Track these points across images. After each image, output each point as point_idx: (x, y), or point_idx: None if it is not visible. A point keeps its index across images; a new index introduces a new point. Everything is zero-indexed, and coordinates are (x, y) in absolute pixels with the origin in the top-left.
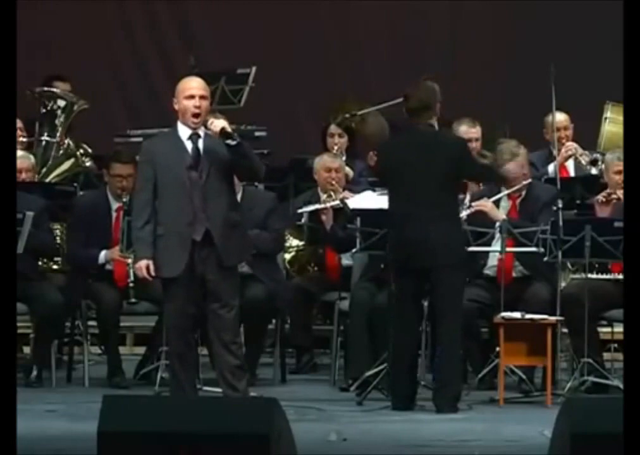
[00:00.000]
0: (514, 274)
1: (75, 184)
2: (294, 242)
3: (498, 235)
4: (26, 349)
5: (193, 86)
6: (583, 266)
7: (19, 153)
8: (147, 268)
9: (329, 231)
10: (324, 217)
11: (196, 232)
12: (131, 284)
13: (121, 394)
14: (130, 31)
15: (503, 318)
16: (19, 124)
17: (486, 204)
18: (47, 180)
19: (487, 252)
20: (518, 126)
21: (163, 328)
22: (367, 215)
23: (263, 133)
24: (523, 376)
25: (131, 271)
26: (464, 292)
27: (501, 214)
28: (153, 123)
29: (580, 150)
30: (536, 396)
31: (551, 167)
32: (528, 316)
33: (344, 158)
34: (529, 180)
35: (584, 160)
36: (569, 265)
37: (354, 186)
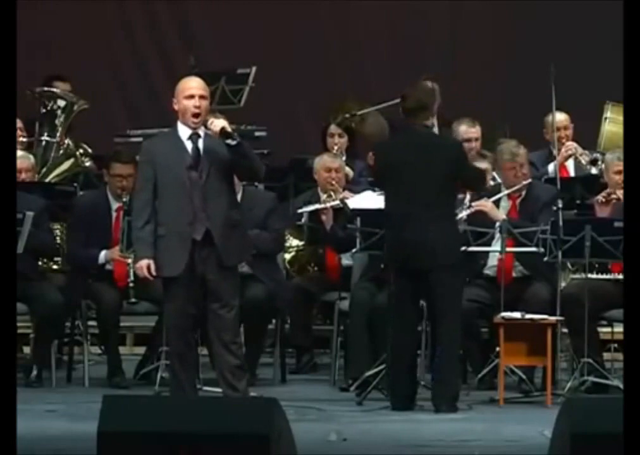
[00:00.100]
0: (514, 274)
1: (75, 184)
2: (294, 242)
3: (497, 235)
4: (26, 349)
5: (192, 86)
6: (583, 266)
7: (19, 153)
8: (148, 267)
9: (329, 231)
10: (324, 217)
11: (197, 231)
12: (131, 284)
13: (121, 394)
14: (130, 31)
15: (503, 318)
16: (19, 124)
17: (486, 204)
18: (47, 180)
19: (487, 252)
20: (518, 126)
21: (163, 328)
22: (367, 215)
23: (263, 133)
24: (523, 376)
25: (131, 271)
26: (464, 292)
27: (501, 214)
28: (153, 123)
29: (580, 150)
30: (536, 396)
31: (551, 167)
32: (528, 316)
33: (344, 158)
34: (529, 180)
35: (584, 159)
36: (569, 265)
37: (354, 186)
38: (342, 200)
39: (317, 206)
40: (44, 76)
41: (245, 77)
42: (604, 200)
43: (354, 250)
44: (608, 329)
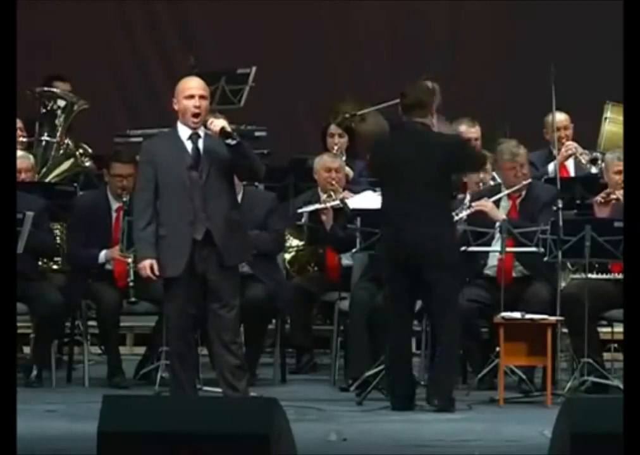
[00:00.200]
0: (514, 274)
1: (75, 184)
2: (294, 242)
3: (498, 235)
4: (26, 349)
5: (192, 86)
6: (583, 267)
7: (19, 153)
8: (151, 267)
9: (329, 231)
10: (324, 217)
11: (197, 231)
12: (131, 284)
13: (121, 394)
14: (130, 31)
15: (503, 318)
16: (19, 124)
17: (486, 204)
18: (47, 180)
19: (487, 252)
20: (518, 126)
21: (163, 328)
22: (367, 215)
23: (263, 133)
24: (523, 376)
25: (131, 270)
26: (462, 292)
27: (501, 214)
28: (153, 123)
29: (580, 149)
30: (536, 396)
31: (551, 167)
32: (528, 316)
33: (344, 158)
34: (529, 180)
35: (584, 159)
36: (569, 265)
37: (354, 186)
38: (342, 200)
39: (317, 206)
40: (44, 76)
41: (245, 77)
42: (603, 200)
43: (354, 250)
44: (608, 329)
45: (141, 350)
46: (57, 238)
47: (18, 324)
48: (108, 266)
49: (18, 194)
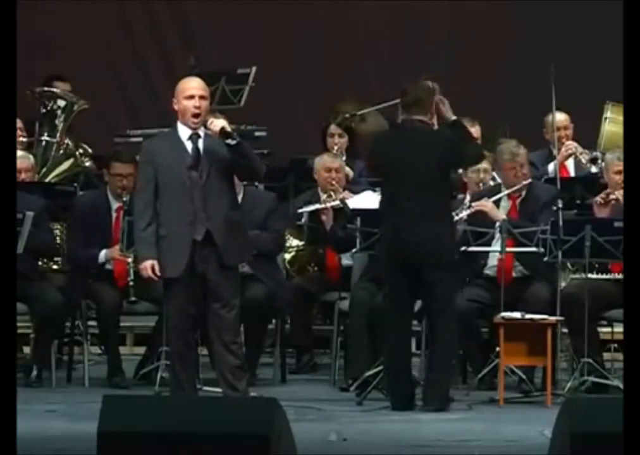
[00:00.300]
0: (514, 274)
1: (75, 184)
2: (294, 242)
3: (497, 235)
4: (26, 349)
5: (192, 86)
6: (583, 266)
7: (19, 153)
8: (152, 268)
9: (329, 231)
10: (324, 217)
11: (197, 232)
12: (131, 283)
13: (121, 394)
14: (130, 31)
15: (503, 318)
16: (19, 124)
17: (486, 204)
18: (47, 180)
19: (487, 252)
20: (518, 126)
21: (163, 328)
22: (367, 215)
23: (263, 133)
24: (523, 376)
25: (131, 270)
26: (462, 292)
27: (501, 214)
28: (153, 123)
29: (580, 149)
30: (536, 396)
31: (551, 166)
32: (528, 316)
33: (344, 158)
34: (529, 180)
35: (584, 158)
36: (569, 265)
37: (354, 186)
38: (342, 200)
39: (317, 206)
40: (44, 76)
41: (245, 77)
42: (602, 201)
43: (354, 250)
44: (608, 329)
45: (141, 350)
46: (57, 238)
47: (18, 324)
48: (108, 266)
49: (18, 194)
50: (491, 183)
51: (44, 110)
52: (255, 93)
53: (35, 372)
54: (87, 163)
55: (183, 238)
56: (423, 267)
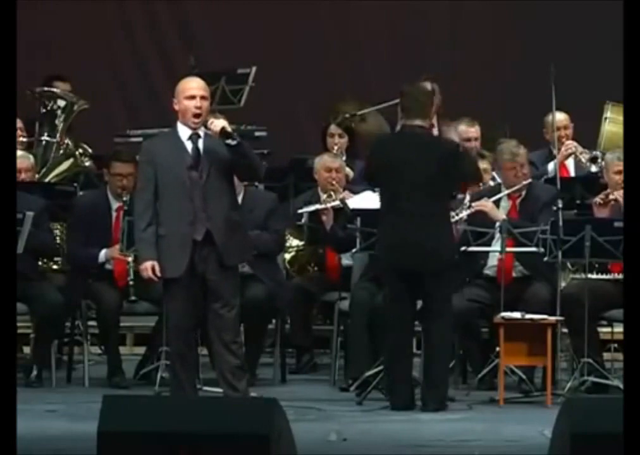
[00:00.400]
0: (514, 274)
1: (75, 184)
2: (294, 242)
3: (497, 235)
4: (26, 349)
5: (193, 86)
6: (583, 267)
7: (19, 153)
8: (153, 268)
9: (329, 231)
10: (324, 217)
11: (197, 232)
12: (131, 282)
13: (121, 394)
14: (130, 31)
15: (503, 318)
16: (19, 124)
17: (486, 204)
18: (47, 180)
19: (487, 252)
20: (518, 126)
21: (163, 328)
22: (367, 215)
23: (263, 133)
24: (523, 376)
25: (131, 270)
26: (462, 292)
27: (501, 214)
28: (153, 123)
29: (580, 148)
30: (536, 396)
31: (550, 166)
32: (528, 316)
33: (344, 158)
34: (529, 180)
35: (584, 157)
36: (569, 265)
37: (354, 186)
38: (342, 200)
39: (317, 206)
40: (44, 76)
41: (245, 77)
42: (602, 201)
43: (354, 250)
44: (608, 329)
45: (141, 350)
46: (57, 238)
47: (18, 324)
48: (108, 266)
49: (18, 194)
50: (491, 183)
51: (44, 110)
52: (255, 93)
53: (35, 372)
54: (87, 163)
55: (183, 238)
56: (423, 268)
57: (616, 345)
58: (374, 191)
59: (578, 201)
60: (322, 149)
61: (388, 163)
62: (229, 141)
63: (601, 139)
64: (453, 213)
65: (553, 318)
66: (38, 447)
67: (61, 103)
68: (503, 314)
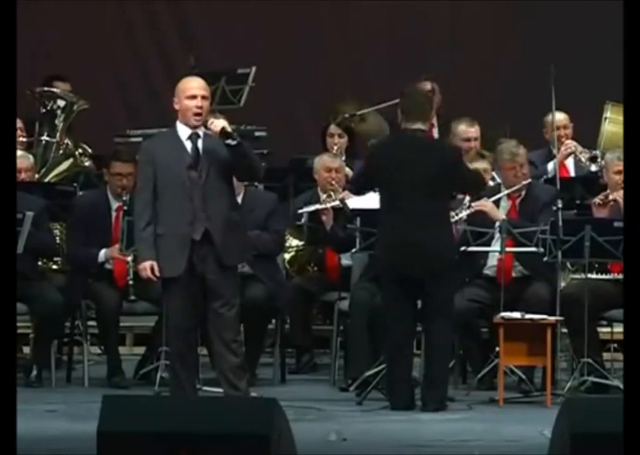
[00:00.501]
0: (514, 274)
1: (75, 184)
2: (294, 242)
3: (497, 235)
4: (26, 349)
5: (194, 86)
6: (583, 267)
7: (19, 152)
8: (152, 268)
9: (329, 231)
10: (324, 217)
11: (196, 231)
12: (130, 282)
13: (121, 394)
14: (130, 31)
15: (502, 318)
16: (19, 124)
17: (485, 204)
18: (46, 180)
19: (487, 252)
20: (518, 126)
21: (163, 328)
22: (367, 215)
23: (263, 133)
24: (523, 376)
25: (131, 270)
26: (462, 292)
27: (501, 214)
28: (153, 123)
29: (579, 148)
30: (536, 396)
31: (550, 165)
32: (528, 316)
33: (344, 158)
34: (529, 180)
35: (584, 157)
36: (569, 265)
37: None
38: (342, 200)
39: (317, 206)
40: (44, 76)
41: (245, 77)
42: (601, 202)
43: (354, 250)
44: (608, 329)
45: (141, 350)
46: (57, 238)
47: (18, 324)
48: (108, 266)
49: (18, 194)
50: (491, 183)
51: (44, 110)
52: (255, 93)
53: (34, 372)
54: (87, 163)
55: (182, 238)
56: (423, 268)
57: (616, 345)
58: (374, 191)
59: (578, 201)
60: (322, 149)
61: (388, 164)
62: (229, 142)
63: (601, 139)
64: (452, 213)
65: (552, 318)
66: (38, 447)
67: (61, 103)
68: (503, 314)
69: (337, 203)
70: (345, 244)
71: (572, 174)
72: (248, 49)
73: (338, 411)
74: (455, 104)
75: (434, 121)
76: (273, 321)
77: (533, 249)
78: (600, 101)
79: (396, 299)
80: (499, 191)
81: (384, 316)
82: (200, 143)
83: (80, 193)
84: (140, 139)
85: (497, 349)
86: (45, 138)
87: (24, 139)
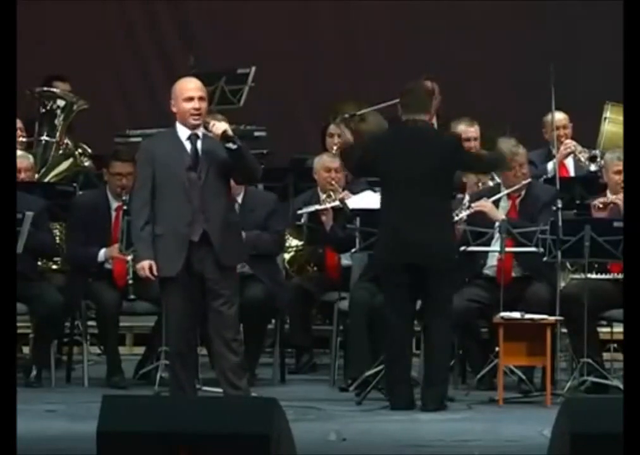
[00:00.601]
0: (514, 274)
1: (75, 184)
2: (294, 242)
3: (497, 235)
4: (26, 349)
5: (191, 87)
6: (582, 267)
7: (19, 152)
8: (150, 268)
9: (329, 231)
10: (323, 217)
11: (194, 232)
12: (130, 281)
13: (121, 394)
14: (130, 31)
15: (502, 318)
16: (19, 124)
17: (485, 204)
18: (46, 180)
19: (487, 252)
20: (518, 126)
21: (162, 328)
22: (367, 215)
23: (263, 133)
24: (523, 376)
25: (131, 269)
26: (462, 292)
27: (500, 214)
28: (152, 123)
29: (579, 147)
30: (536, 396)
31: (550, 165)
32: (528, 316)
33: None
34: (529, 180)
35: (583, 156)
36: (568, 265)
37: (354, 186)
38: (342, 200)
39: (317, 207)
40: (44, 76)
41: (245, 77)
42: (601, 206)
43: (354, 250)
44: (608, 329)
45: (140, 350)
46: (57, 238)
47: (18, 324)
48: (107, 266)
49: (17, 194)
50: (490, 183)
51: (44, 110)
52: (255, 93)
53: (34, 372)
54: (86, 163)
55: (180, 238)
56: (423, 267)
57: (615, 345)
58: (374, 191)
59: (577, 201)
60: (322, 149)
61: (388, 156)
62: (229, 145)
63: (601, 139)
64: (452, 214)
65: (552, 318)
66: (38, 447)
67: (61, 103)
68: (503, 314)
69: (337, 203)
70: (345, 244)
71: (572, 173)
72: (248, 49)
73: (338, 411)
74: (455, 104)
75: (434, 121)
76: (273, 321)
77: (533, 249)
78: (600, 101)
79: (396, 298)
80: (499, 191)
81: (384, 315)
82: (199, 144)
83: (80, 192)
84: (139, 139)
85: (497, 349)
86: (45, 138)
87: (24, 139)
